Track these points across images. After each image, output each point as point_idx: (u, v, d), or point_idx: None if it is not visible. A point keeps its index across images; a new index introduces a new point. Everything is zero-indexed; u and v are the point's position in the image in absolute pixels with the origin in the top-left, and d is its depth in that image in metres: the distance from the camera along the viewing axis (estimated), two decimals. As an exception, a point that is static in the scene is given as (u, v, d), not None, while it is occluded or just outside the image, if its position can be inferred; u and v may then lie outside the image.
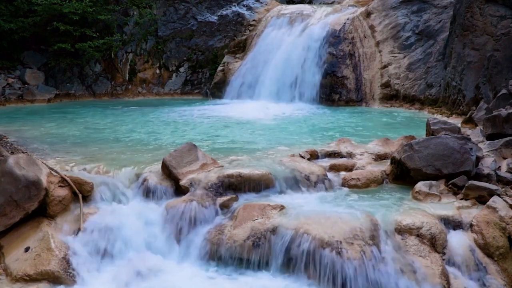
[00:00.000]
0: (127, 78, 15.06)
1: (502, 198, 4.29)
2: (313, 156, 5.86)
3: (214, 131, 8.44)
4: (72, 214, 4.42)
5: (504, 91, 7.15)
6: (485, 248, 3.97)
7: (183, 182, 4.75)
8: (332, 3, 15.98)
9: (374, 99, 12.54)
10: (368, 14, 13.50)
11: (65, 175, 4.57)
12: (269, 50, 13.83)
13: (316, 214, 4.11)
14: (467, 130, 6.64)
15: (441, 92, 11.07)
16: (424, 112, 11.07)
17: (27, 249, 4.03)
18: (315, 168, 5.21)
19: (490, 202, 4.20)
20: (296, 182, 4.96)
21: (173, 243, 4.32)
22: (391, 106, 12.14)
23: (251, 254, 4.01)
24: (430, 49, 12.05)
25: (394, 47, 12.70)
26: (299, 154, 5.75)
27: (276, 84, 13.16)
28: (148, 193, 4.79)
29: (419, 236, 3.90)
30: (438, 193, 4.62)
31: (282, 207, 4.30)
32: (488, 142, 5.78)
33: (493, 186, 4.47)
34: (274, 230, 4.02)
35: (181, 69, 15.51)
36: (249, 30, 15.36)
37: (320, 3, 16.28)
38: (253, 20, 15.48)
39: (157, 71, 15.39)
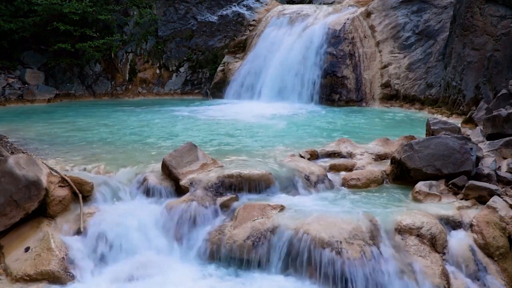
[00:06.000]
0: (127, 78, 15.05)
1: (502, 198, 4.29)
2: (313, 156, 5.86)
3: (214, 131, 8.44)
4: (72, 214, 4.42)
5: (504, 91, 7.15)
6: (485, 248, 3.96)
7: (183, 182, 4.75)
8: (332, 3, 15.99)
9: (374, 99, 12.54)
10: (368, 14, 13.50)
11: (65, 175, 4.57)
12: (269, 50, 13.83)
13: (316, 214, 4.11)
14: (467, 130, 6.64)
15: (441, 92, 11.07)
16: (424, 112, 11.07)
17: (27, 249, 4.03)
18: (315, 168, 5.21)
19: (490, 202, 4.20)
20: (296, 182, 4.96)
21: (173, 243, 4.32)
22: (391, 106, 12.14)
23: (251, 254, 4.01)
24: (430, 49, 12.05)
25: (394, 47, 12.71)
26: (299, 154, 5.75)
27: (276, 84, 13.17)
28: (148, 193, 4.79)
29: (419, 236, 3.90)
30: (438, 193, 4.62)
31: (282, 207, 4.30)
32: (488, 142, 5.78)
33: (493, 186, 4.47)
34: (274, 230, 4.02)
35: (181, 69, 15.51)
36: (249, 30, 15.36)
37: (320, 3, 16.28)
38: (253, 20, 15.48)
39: (157, 71, 15.39)
